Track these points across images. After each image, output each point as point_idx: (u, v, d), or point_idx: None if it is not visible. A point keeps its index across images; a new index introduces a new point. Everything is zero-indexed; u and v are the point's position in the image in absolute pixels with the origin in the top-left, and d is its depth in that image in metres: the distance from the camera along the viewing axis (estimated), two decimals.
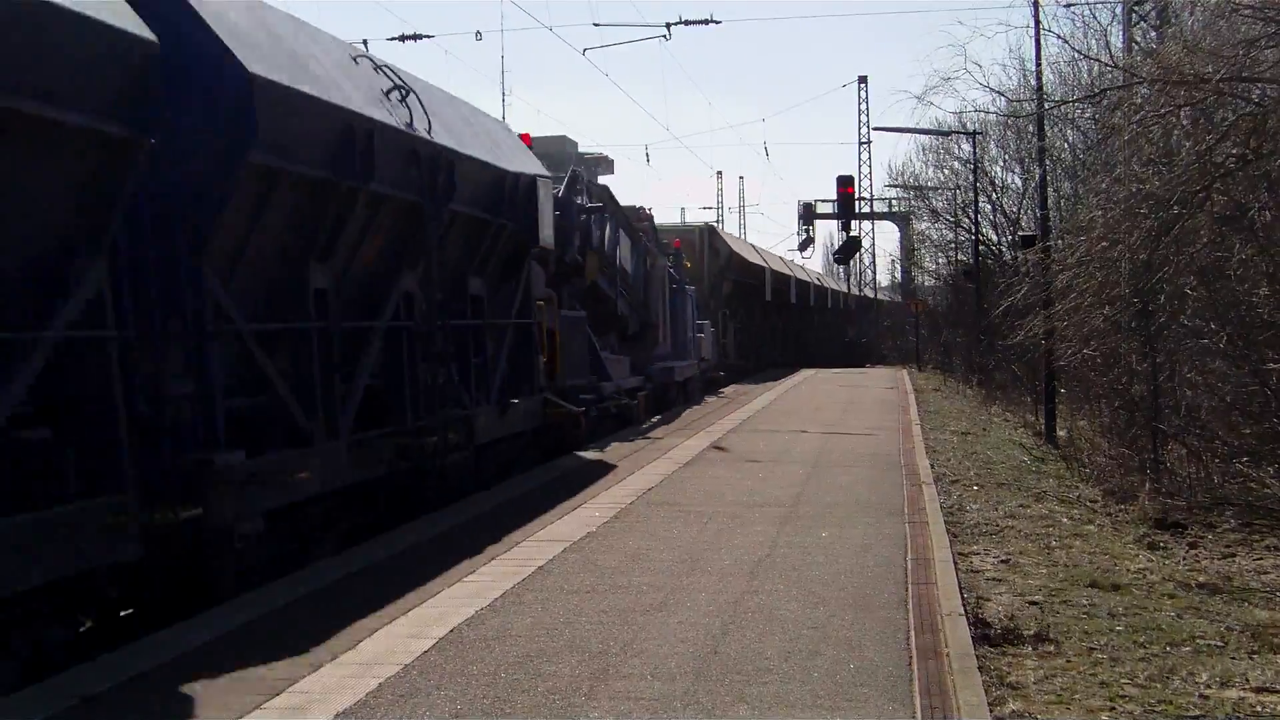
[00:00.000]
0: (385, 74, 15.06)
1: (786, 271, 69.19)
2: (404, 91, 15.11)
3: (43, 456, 9.18)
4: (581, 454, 21.32)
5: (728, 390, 41.44)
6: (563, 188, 24.97)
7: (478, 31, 68.66)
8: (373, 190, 13.62)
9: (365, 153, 13.36)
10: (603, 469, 19.28)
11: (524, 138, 22.80)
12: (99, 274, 9.38)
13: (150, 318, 10.58)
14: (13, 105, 8.27)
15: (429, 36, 54.13)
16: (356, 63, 14.60)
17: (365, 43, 36.58)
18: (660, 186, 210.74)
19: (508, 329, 19.26)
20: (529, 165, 20.26)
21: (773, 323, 69.65)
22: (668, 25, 34.71)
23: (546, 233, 20.39)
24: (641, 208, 35.11)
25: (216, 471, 10.64)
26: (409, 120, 14.93)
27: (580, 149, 34.16)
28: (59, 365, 9.11)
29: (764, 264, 60.43)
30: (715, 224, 62.44)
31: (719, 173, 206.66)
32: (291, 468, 12.14)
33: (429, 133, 15.39)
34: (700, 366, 39.65)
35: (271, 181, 11.77)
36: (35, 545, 8.63)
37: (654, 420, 28.65)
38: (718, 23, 33.97)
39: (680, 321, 36.95)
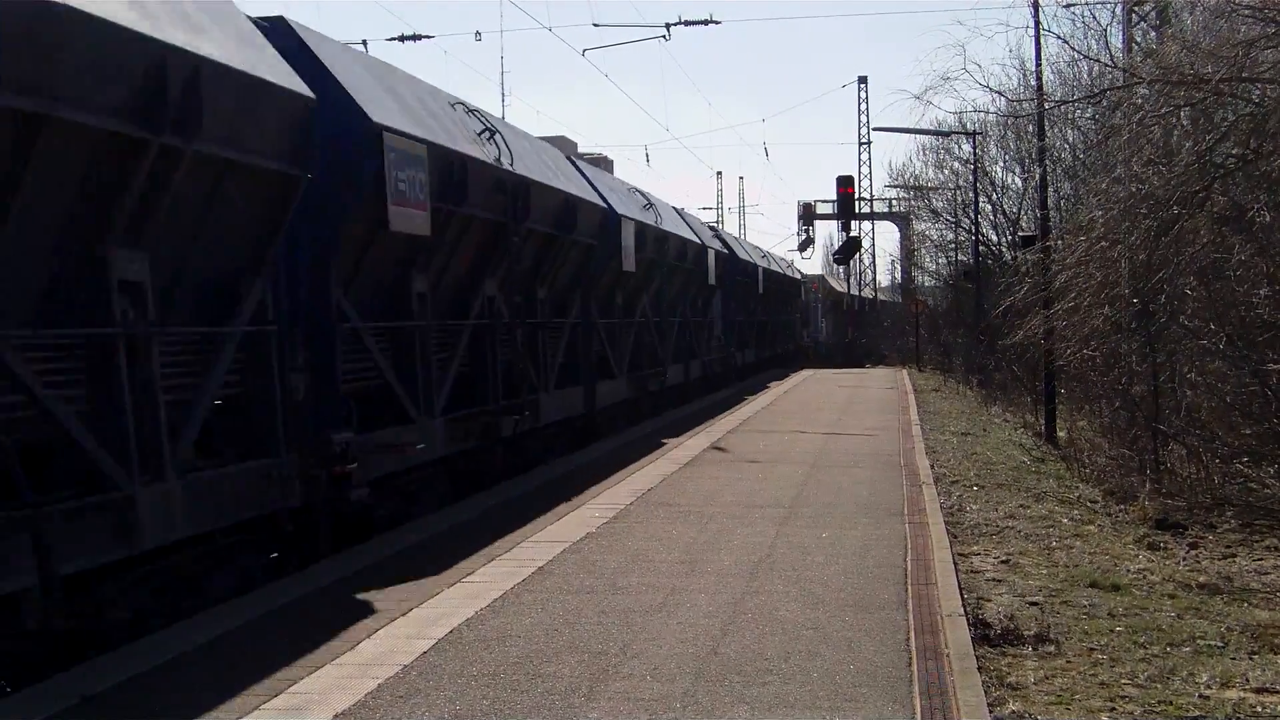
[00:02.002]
0: (476, 117, 18.43)
1: (787, 272, 69.12)
2: (491, 132, 18.21)
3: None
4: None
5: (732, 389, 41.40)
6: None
7: (477, 32, 68.72)
8: (465, 212, 16.54)
9: (460, 182, 16.27)
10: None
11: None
12: (263, 286, 11.82)
13: (293, 319, 12.80)
14: (234, 158, 10.76)
15: (429, 37, 54.30)
16: (454, 108, 17.81)
17: (365, 43, 36.66)
18: (660, 186, 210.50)
19: (564, 328, 23.17)
20: (622, 205, 26.72)
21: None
22: (667, 25, 34.79)
23: (629, 262, 26.43)
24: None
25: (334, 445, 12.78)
26: (496, 156, 17.91)
27: (580, 149, 34.17)
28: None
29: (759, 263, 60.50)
30: (714, 224, 62.33)
31: (719, 173, 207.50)
32: (398, 441, 14.71)
33: (510, 165, 18.31)
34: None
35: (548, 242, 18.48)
36: (245, 489, 11.36)
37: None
38: (717, 23, 34.07)
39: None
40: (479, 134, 17.87)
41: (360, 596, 10.60)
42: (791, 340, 71.46)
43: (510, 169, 18.28)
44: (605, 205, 25.08)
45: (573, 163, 25.64)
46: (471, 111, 18.43)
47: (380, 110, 14.17)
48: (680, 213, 39.13)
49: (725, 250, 44.13)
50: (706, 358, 40.37)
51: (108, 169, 9.34)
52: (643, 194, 31.97)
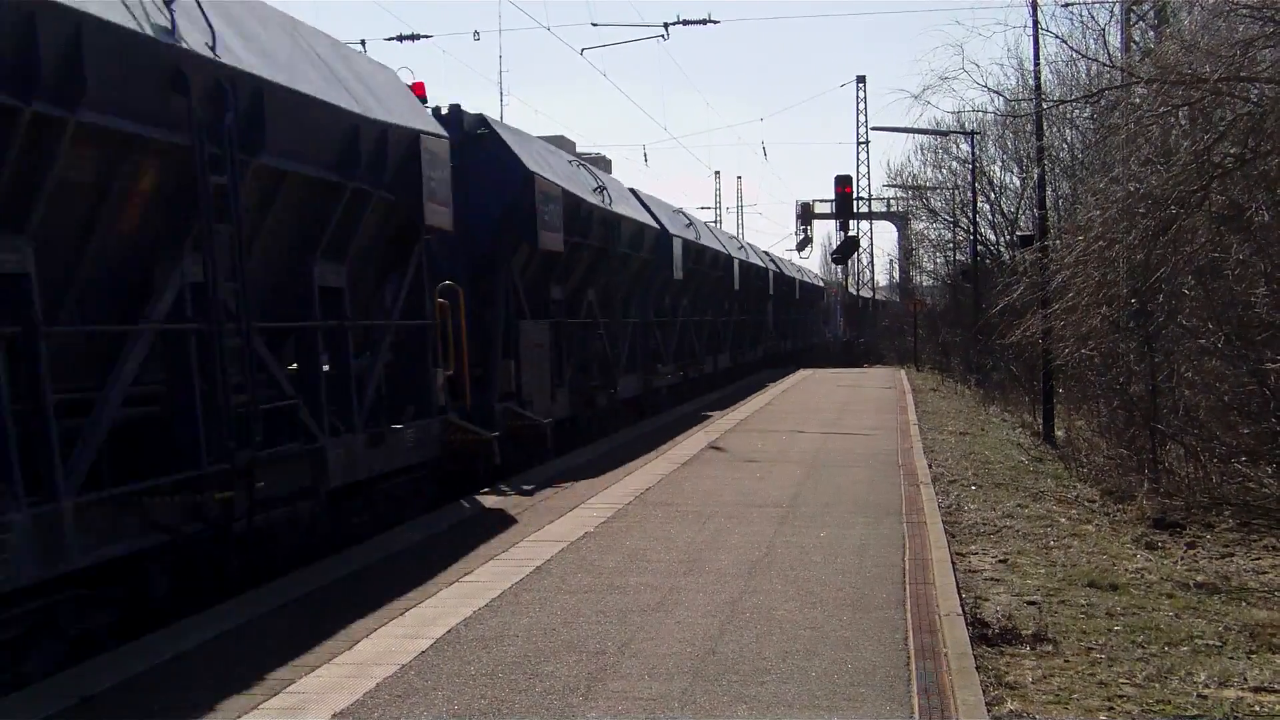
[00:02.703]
0: (588, 172, 26.03)
1: (788, 272, 69.24)
2: (600, 187, 25.63)
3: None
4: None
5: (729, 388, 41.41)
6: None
7: (475, 31, 68.66)
8: (588, 244, 23.92)
9: (586, 218, 23.51)
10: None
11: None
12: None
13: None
14: (393, 199, 14.64)
15: (427, 36, 53.97)
16: (574, 165, 25.37)
17: (363, 43, 36.65)
18: (658, 186, 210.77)
19: (628, 326, 29.53)
20: (672, 224, 33.30)
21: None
22: (666, 25, 34.76)
23: (678, 272, 33.52)
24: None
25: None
26: (605, 201, 25.48)
27: (578, 149, 34.26)
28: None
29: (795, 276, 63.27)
30: (712, 224, 62.47)
31: (717, 172, 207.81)
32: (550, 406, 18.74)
33: (610, 205, 25.89)
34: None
35: (624, 260, 25.57)
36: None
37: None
38: (716, 23, 34.02)
39: None
40: (594, 190, 25.08)
41: (358, 594, 10.59)
42: (817, 335, 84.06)
43: (611, 209, 25.73)
44: (659, 226, 31.28)
45: (634, 193, 31.90)
46: (584, 165, 26.39)
47: (532, 164, 20.27)
48: (712, 228, 48.14)
49: (775, 269, 56.95)
50: (765, 346, 54.16)
51: None
52: (685, 215, 38.52)
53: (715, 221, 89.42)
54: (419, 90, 17.83)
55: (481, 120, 20.01)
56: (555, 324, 22.00)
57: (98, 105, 9.23)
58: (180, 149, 10.31)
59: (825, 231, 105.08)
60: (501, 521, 14.34)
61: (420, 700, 7.69)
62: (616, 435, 24.76)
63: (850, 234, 63.87)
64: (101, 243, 9.92)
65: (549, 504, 15.60)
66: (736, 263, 44.10)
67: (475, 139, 19.62)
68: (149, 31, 9.86)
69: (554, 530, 13.72)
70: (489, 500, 16.17)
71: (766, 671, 8.21)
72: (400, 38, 36.99)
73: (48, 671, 8.71)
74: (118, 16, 9.45)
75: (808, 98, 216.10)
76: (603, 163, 39.40)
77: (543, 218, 19.60)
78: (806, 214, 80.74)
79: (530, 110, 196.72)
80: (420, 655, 8.69)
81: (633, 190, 31.93)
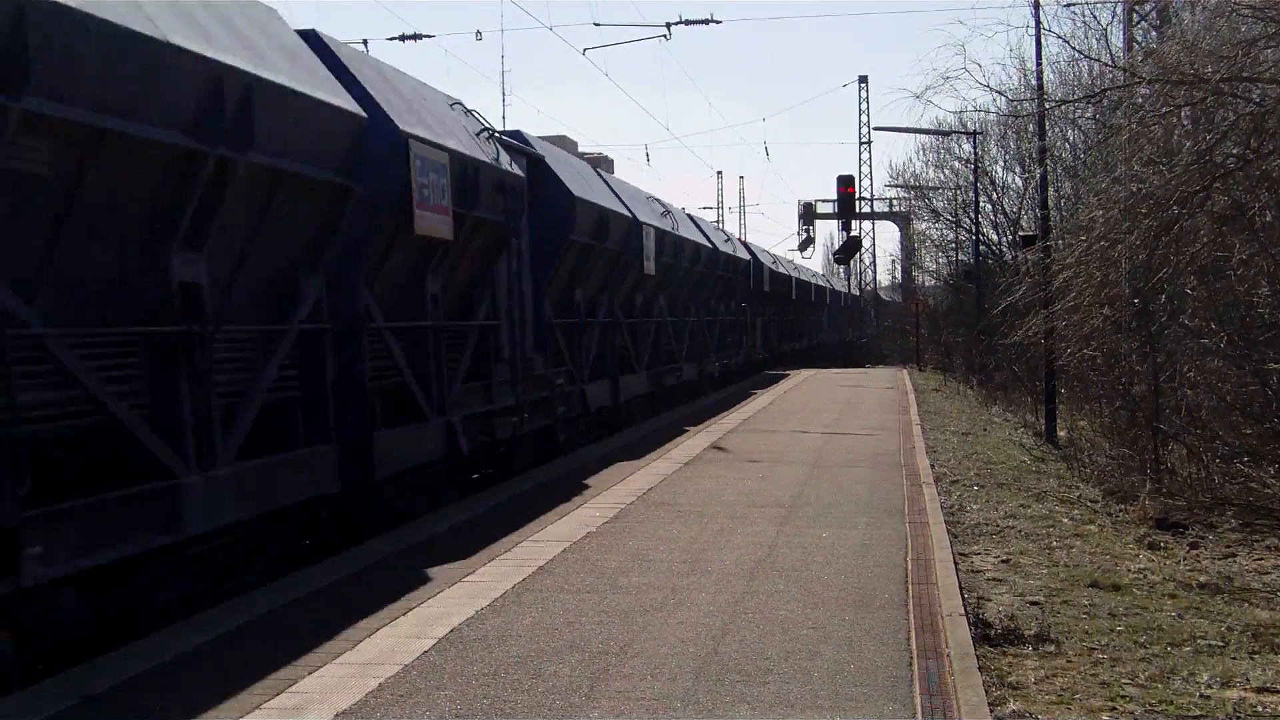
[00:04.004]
0: (657, 202, 32.47)
1: (785, 271, 69.21)
2: (666, 210, 32.52)
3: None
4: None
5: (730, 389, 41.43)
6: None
7: (478, 31, 68.85)
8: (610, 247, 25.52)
9: (638, 236, 27.14)
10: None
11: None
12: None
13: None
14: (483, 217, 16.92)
15: (429, 36, 54.07)
16: (647, 201, 31.11)
17: (365, 43, 36.58)
18: (660, 186, 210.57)
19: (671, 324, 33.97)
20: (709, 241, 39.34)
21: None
22: (668, 25, 34.74)
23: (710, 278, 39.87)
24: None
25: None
26: (672, 226, 32.02)
27: (580, 149, 34.30)
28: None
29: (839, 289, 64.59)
30: (716, 224, 62.55)
31: (719, 172, 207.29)
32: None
33: (674, 229, 31.89)
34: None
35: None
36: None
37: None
38: (718, 22, 34.04)
39: None
40: (661, 215, 31.00)
41: (361, 594, 10.60)
42: (820, 334, 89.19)
43: (672, 230, 31.89)
44: (711, 245, 37.07)
45: (692, 220, 37.99)
46: (652, 198, 32.38)
47: (578, 187, 23.25)
48: (748, 246, 52.48)
49: (827, 285, 67.51)
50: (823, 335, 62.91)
51: None
52: (725, 232, 47.62)
53: (718, 222, 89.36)
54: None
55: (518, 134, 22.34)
56: (569, 325, 23.92)
57: (264, 149, 11.11)
58: (333, 186, 12.68)
59: (827, 231, 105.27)
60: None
61: (423, 700, 7.68)
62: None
63: (852, 234, 63.85)
64: (256, 260, 11.68)
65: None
66: (767, 270, 49.06)
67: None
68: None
69: (556, 530, 13.71)
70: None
71: (769, 671, 8.19)
72: (403, 37, 36.99)
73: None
74: (283, 79, 11.61)
75: (810, 98, 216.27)
76: (605, 162, 39.35)
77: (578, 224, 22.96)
78: (809, 214, 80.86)
79: (533, 110, 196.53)
80: (423, 655, 8.67)
81: (695, 218, 38.21)
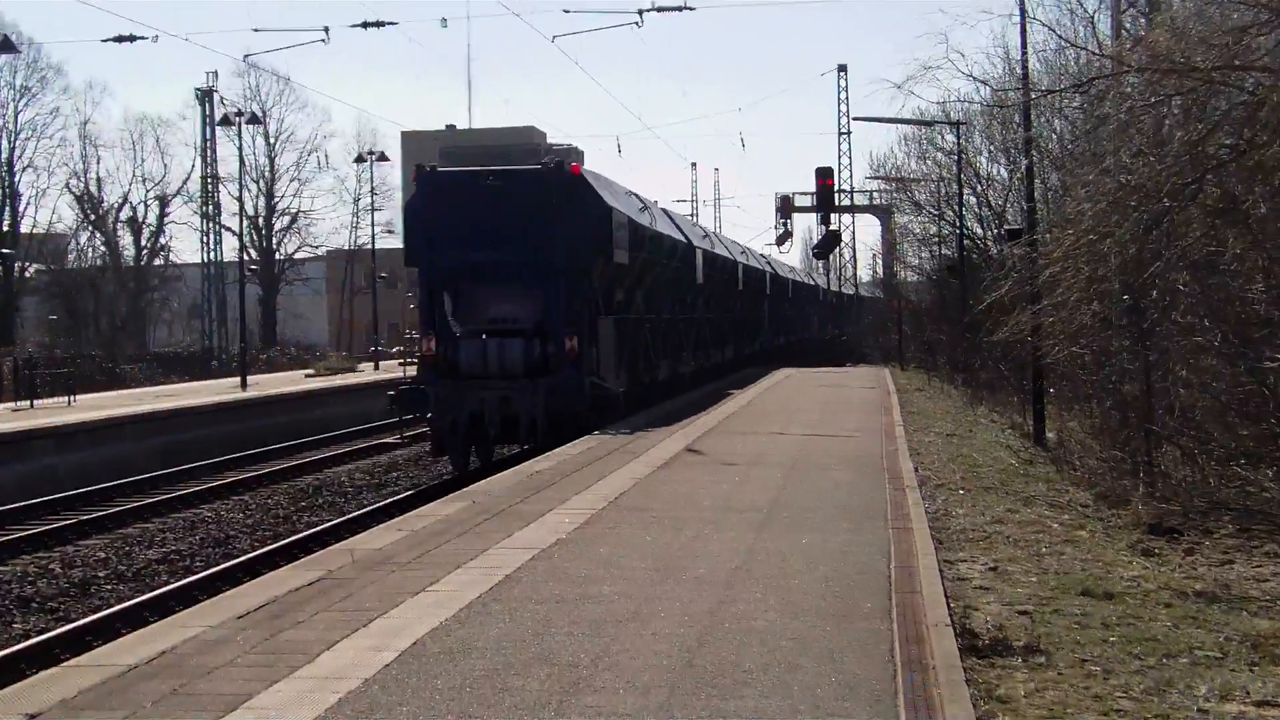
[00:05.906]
0: (756, 257, 57.63)
1: (760, 266, 69.21)
2: (765, 259, 60.63)
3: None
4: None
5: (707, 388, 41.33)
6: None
7: (443, 19, 68.76)
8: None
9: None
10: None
11: None
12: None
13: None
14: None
15: (392, 24, 53.78)
16: (744, 252, 54.34)
17: (326, 30, 36.35)
18: (632, 178, 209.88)
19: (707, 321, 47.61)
20: (730, 253, 51.54)
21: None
22: (640, 12, 34.48)
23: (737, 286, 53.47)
24: None
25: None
26: (765, 265, 58.82)
27: (549, 140, 34.16)
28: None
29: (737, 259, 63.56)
30: (690, 217, 62.53)
31: (693, 164, 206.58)
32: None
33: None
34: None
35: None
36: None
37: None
38: (692, 9, 33.50)
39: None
40: (763, 268, 54.42)
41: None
42: (801, 331, 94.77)
43: (765, 268, 50.94)
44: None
45: (668, 215, 39.93)
46: (748, 250, 50.80)
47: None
48: (723, 240, 57.03)
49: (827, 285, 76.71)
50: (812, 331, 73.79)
51: None
52: (741, 245, 55.50)
53: (693, 215, 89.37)
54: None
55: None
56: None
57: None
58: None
59: (806, 225, 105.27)
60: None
61: (384, 716, 7.39)
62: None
63: (832, 228, 63.55)
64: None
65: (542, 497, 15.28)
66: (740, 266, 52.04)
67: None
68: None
69: (525, 537, 13.39)
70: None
71: (746, 684, 7.93)
72: (365, 24, 36.66)
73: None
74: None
75: (787, 87, 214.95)
76: (575, 154, 39.09)
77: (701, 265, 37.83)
78: (786, 207, 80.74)
79: (500, 101, 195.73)
80: (384, 668, 8.36)
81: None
